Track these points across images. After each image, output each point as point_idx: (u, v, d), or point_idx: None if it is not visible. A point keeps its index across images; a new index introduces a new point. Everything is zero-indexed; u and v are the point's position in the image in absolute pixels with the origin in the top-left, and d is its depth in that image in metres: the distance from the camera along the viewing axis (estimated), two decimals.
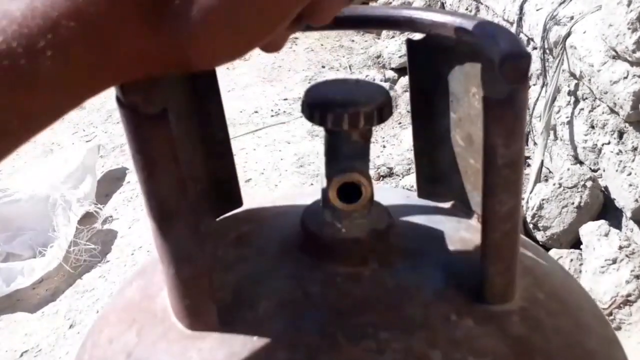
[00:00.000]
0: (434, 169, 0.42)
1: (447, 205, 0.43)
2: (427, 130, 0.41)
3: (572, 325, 0.34)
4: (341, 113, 0.31)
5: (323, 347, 0.30)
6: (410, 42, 0.38)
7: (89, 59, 0.22)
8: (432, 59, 0.38)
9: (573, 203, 1.40)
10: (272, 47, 0.28)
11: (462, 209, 0.42)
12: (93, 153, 1.94)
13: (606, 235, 1.26)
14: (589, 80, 1.41)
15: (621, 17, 1.23)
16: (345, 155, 0.34)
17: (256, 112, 2.30)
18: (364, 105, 0.31)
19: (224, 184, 0.42)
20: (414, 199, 0.44)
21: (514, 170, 0.29)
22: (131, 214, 1.83)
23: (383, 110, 0.32)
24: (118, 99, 0.27)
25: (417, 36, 0.38)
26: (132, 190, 1.93)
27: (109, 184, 1.99)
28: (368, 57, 2.61)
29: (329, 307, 0.32)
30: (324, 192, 0.35)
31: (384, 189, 0.41)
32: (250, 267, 0.35)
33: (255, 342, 0.30)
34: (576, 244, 1.41)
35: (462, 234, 0.39)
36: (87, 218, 1.75)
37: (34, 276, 1.51)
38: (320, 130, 2.17)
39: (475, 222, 0.41)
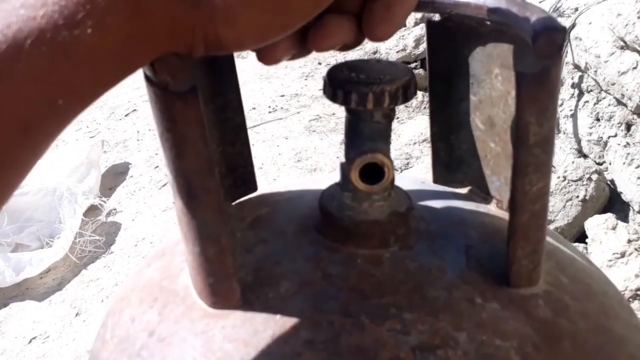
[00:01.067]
0: (451, 154, 0.42)
1: (464, 191, 0.42)
2: (445, 114, 0.41)
3: (598, 310, 0.34)
4: (365, 92, 0.31)
5: (347, 327, 0.29)
6: (429, 24, 0.38)
7: (124, 29, 0.22)
8: (452, 41, 0.37)
9: (578, 196, 1.39)
10: (270, 58, 0.29)
11: (480, 195, 0.41)
12: (97, 148, 1.97)
13: (614, 228, 1.25)
14: (595, 71, 1.40)
15: (630, 6, 1.22)
16: (367, 137, 0.33)
17: (254, 108, 2.31)
18: (388, 84, 0.31)
19: (240, 169, 0.42)
20: (429, 184, 0.44)
21: (545, 149, 0.29)
22: (134, 206, 1.85)
23: (408, 89, 0.32)
24: (148, 78, 0.27)
25: (437, 17, 0.38)
26: (135, 184, 1.97)
27: (113, 178, 2.02)
28: (365, 53, 2.60)
29: (351, 288, 0.32)
30: (344, 174, 0.35)
31: (399, 176, 0.40)
32: (269, 249, 0.35)
33: (277, 321, 0.30)
34: (580, 237, 1.40)
35: (481, 218, 0.39)
36: (92, 211, 1.78)
37: (42, 266, 1.55)
38: (317, 126, 2.20)
39: (494, 208, 0.40)
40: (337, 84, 0.32)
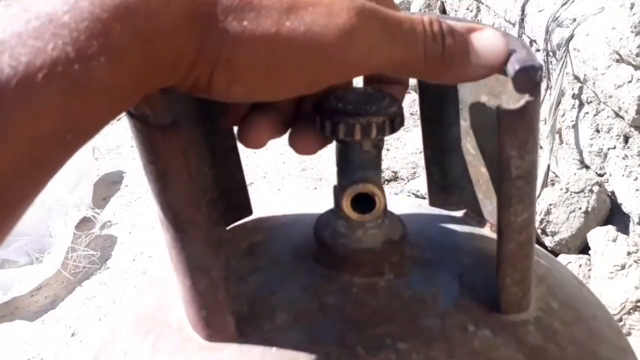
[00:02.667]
0: (445, 177, 0.42)
1: (459, 213, 0.43)
2: (437, 138, 0.41)
3: (586, 334, 0.34)
4: (352, 123, 0.31)
5: (343, 358, 0.30)
6: None
7: (140, 63, 0.22)
8: None
9: (580, 208, 1.41)
10: (254, 143, 0.31)
11: (474, 218, 0.42)
12: (87, 155, 1.89)
13: (614, 240, 1.26)
14: (594, 83, 1.41)
15: (624, 19, 1.23)
16: (358, 166, 0.34)
17: None
18: (375, 116, 0.31)
19: (233, 192, 0.42)
20: (425, 207, 0.44)
21: (528, 181, 0.29)
22: (130, 218, 1.80)
23: (395, 120, 0.32)
24: (128, 110, 0.26)
25: None
26: (131, 195, 1.90)
27: (106, 187, 1.95)
28: None
29: (346, 318, 0.32)
30: (337, 202, 0.35)
31: (395, 199, 0.41)
32: (265, 278, 0.35)
33: (274, 353, 0.30)
34: (584, 249, 1.41)
35: (475, 243, 0.39)
36: (85, 223, 1.72)
37: (32, 283, 1.49)
38: None
39: (488, 231, 0.41)
40: (324, 115, 0.32)
